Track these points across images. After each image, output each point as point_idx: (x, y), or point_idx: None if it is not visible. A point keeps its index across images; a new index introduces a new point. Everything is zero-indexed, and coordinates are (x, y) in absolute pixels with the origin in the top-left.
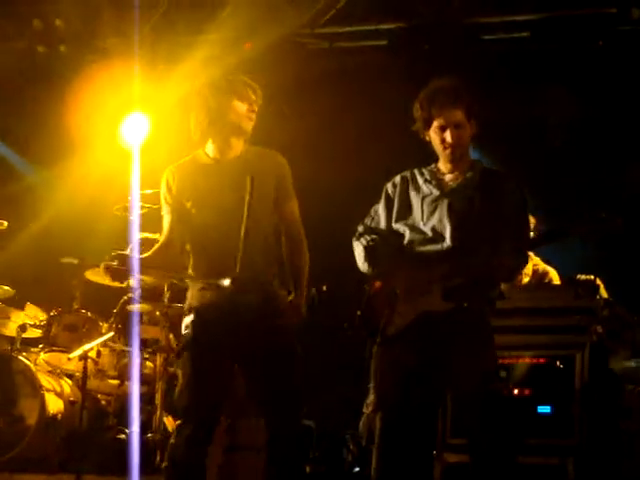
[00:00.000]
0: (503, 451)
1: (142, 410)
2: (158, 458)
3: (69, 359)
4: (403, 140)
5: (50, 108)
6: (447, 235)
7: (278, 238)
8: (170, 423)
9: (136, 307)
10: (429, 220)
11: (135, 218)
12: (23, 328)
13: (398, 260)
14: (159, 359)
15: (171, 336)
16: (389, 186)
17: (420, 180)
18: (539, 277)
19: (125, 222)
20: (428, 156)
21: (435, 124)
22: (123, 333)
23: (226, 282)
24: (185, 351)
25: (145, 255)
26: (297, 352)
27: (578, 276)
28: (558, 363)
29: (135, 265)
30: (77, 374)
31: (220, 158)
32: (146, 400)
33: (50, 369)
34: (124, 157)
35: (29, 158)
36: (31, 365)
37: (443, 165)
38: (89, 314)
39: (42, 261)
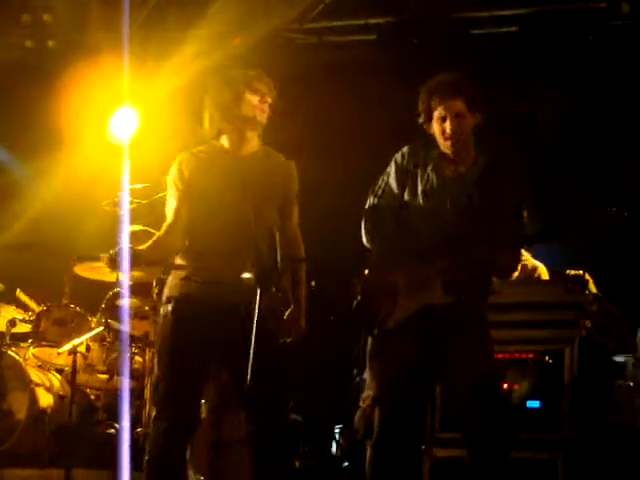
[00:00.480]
0: (501, 446)
1: (131, 405)
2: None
3: (58, 354)
4: (392, 134)
5: (39, 103)
6: (447, 227)
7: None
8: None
9: (125, 302)
10: (429, 210)
11: (125, 213)
12: (12, 323)
13: (400, 243)
14: (148, 354)
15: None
16: (398, 156)
17: (426, 161)
18: (528, 272)
19: (114, 217)
20: None
21: (436, 115)
22: (112, 328)
23: (247, 275)
24: (162, 342)
25: (146, 245)
26: (280, 345)
27: (567, 271)
28: (547, 358)
29: (133, 257)
30: (66, 369)
31: (235, 152)
32: (135, 395)
33: (39, 364)
34: (113, 152)
35: (17, 153)
36: (20, 360)
37: (445, 155)
38: (78, 309)
39: (31, 256)
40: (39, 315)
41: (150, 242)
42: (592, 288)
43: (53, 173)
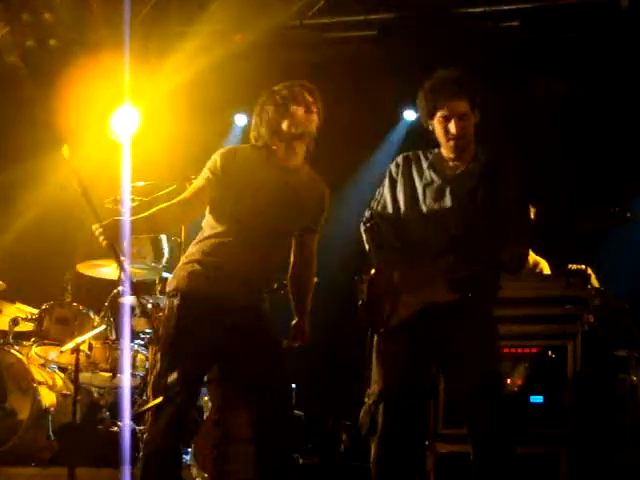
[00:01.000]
0: (505, 441)
1: (134, 403)
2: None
3: (61, 352)
4: (392, 130)
5: (40, 101)
6: (450, 224)
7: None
8: None
9: (127, 299)
10: (431, 207)
11: (126, 211)
12: (15, 322)
13: (401, 251)
14: (151, 351)
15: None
16: (392, 167)
17: (424, 164)
18: (530, 267)
19: (116, 215)
20: (419, 146)
21: (439, 114)
22: (115, 326)
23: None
24: (166, 338)
25: (143, 215)
26: (281, 344)
27: (569, 266)
28: (550, 353)
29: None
30: (69, 367)
31: (281, 161)
32: (138, 393)
33: (42, 362)
34: (115, 150)
35: (19, 151)
36: (23, 358)
37: (446, 152)
38: (81, 307)
39: (33, 255)
40: (41, 314)
41: (148, 213)
42: (594, 282)
43: (54, 171)
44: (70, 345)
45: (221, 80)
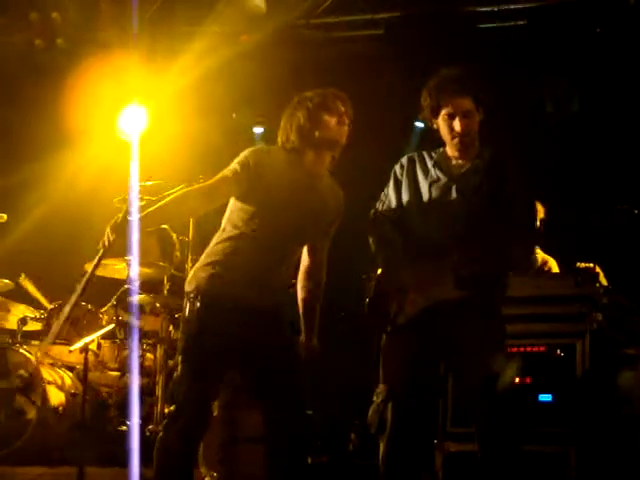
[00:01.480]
0: (511, 440)
1: (143, 402)
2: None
3: (70, 351)
4: (399, 129)
5: (48, 101)
6: (455, 222)
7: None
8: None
9: (135, 298)
10: (437, 206)
11: (134, 210)
12: (24, 321)
13: (407, 250)
14: (160, 351)
15: (171, 328)
16: (397, 168)
17: (429, 163)
18: (539, 266)
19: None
20: (425, 145)
21: (443, 112)
22: (123, 325)
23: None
24: (188, 342)
25: (153, 208)
26: (296, 345)
27: (578, 264)
28: (559, 351)
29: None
30: (78, 366)
31: (309, 168)
32: (147, 392)
33: (51, 362)
34: (123, 149)
35: (27, 150)
36: (32, 358)
37: (451, 150)
38: (89, 306)
39: (42, 254)
40: (50, 313)
41: (161, 203)
42: (603, 281)
43: (63, 170)
44: (79, 344)
45: (228, 80)
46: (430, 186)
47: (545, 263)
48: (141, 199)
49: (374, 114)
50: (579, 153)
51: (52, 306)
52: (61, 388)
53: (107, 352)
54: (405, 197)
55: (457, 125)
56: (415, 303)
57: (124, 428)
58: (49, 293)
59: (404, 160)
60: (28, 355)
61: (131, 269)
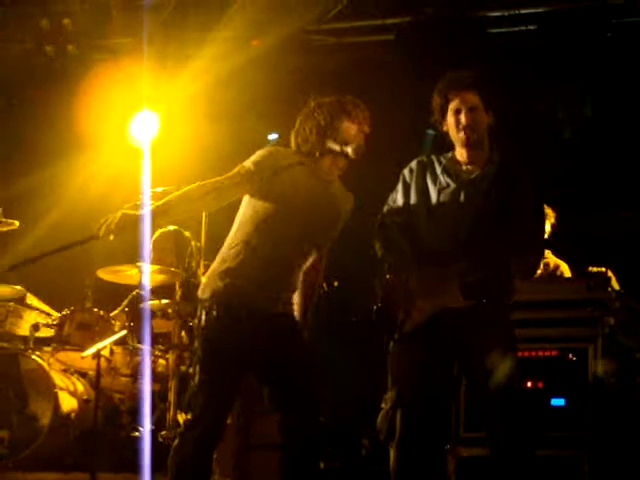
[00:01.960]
0: (525, 445)
1: (156, 408)
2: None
3: (82, 358)
4: (410, 134)
5: (60, 107)
6: (463, 228)
7: None
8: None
9: (147, 304)
10: (445, 212)
11: (146, 216)
12: (36, 327)
13: (415, 256)
14: (172, 357)
15: (183, 333)
16: (406, 172)
17: (438, 169)
18: (550, 270)
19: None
20: (436, 150)
21: (451, 107)
22: (136, 331)
23: None
24: (205, 351)
25: (156, 204)
26: (312, 352)
27: (589, 268)
28: (571, 355)
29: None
30: (90, 372)
31: (322, 174)
32: (160, 398)
33: (63, 368)
34: (134, 155)
35: (39, 156)
36: (44, 364)
37: (460, 154)
38: (101, 312)
39: (53, 260)
40: (62, 319)
41: (166, 198)
42: (615, 285)
43: (74, 176)
44: (91, 350)
45: (239, 85)
46: (439, 193)
47: (557, 267)
48: (153, 205)
49: (385, 119)
50: (590, 158)
51: (64, 312)
52: (73, 394)
53: (119, 358)
54: (413, 202)
55: (463, 118)
56: (422, 310)
57: (136, 434)
58: (60, 300)
59: (413, 164)
60: (40, 361)
61: (143, 274)
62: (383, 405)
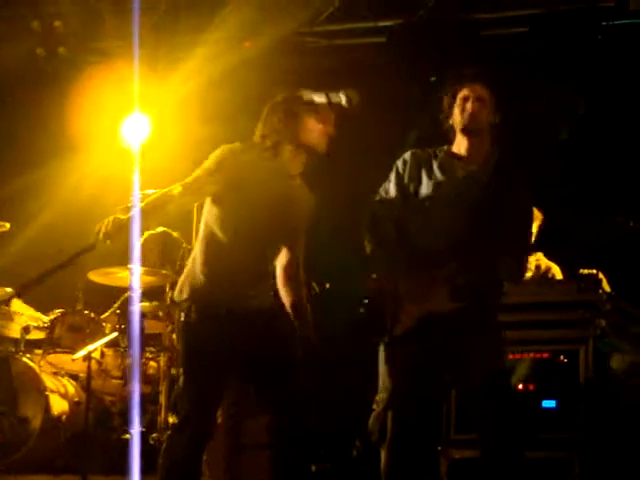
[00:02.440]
0: (514, 447)
1: (147, 410)
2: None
3: (73, 360)
4: (402, 136)
5: (51, 109)
6: (456, 224)
7: None
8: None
9: (137, 306)
10: (439, 206)
11: (136, 218)
12: (27, 330)
13: (403, 257)
14: (163, 359)
15: (174, 336)
16: (399, 163)
17: (434, 162)
18: (542, 272)
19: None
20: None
21: (459, 96)
22: (126, 333)
23: None
24: (187, 353)
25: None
26: (297, 345)
27: (581, 270)
28: (562, 357)
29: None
30: (81, 375)
31: (286, 171)
32: (150, 400)
33: (54, 370)
34: (125, 157)
35: (29, 158)
36: (35, 366)
37: (458, 147)
38: (92, 315)
39: (44, 262)
40: (53, 321)
41: (146, 201)
42: (606, 287)
43: (65, 179)
44: (82, 353)
45: (231, 87)
46: (433, 186)
47: (549, 270)
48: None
49: (376, 122)
50: (579, 161)
51: (54, 315)
52: (64, 397)
53: (110, 360)
54: (406, 195)
55: (469, 105)
56: (411, 314)
57: (127, 436)
58: (51, 302)
59: (407, 156)
60: (31, 364)
61: (133, 277)
62: (374, 407)
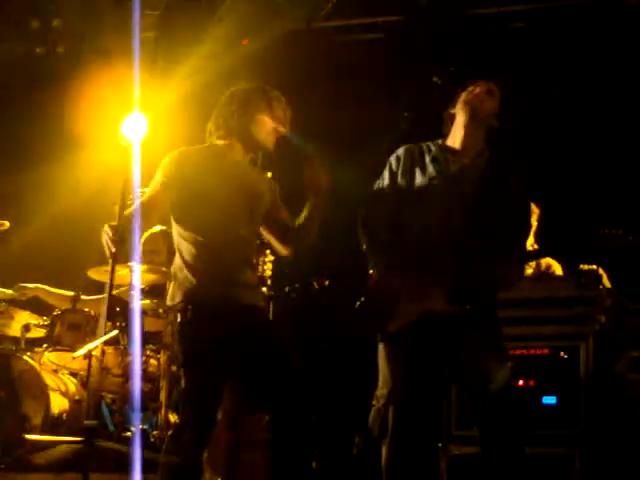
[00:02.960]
0: (515, 444)
1: (147, 408)
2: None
3: (73, 358)
4: (401, 132)
5: (50, 108)
6: (450, 218)
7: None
8: (175, 420)
9: (137, 304)
10: (433, 201)
11: (136, 216)
12: (27, 328)
13: (400, 256)
14: (163, 357)
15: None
16: (392, 160)
17: (427, 157)
18: (542, 270)
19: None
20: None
21: (470, 87)
22: (126, 331)
23: None
24: (186, 354)
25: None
26: (288, 339)
27: (581, 266)
28: (562, 353)
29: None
30: (82, 373)
31: (232, 156)
32: (151, 398)
33: (55, 368)
34: (125, 155)
35: (29, 157)
36: (36, 365)
37: (453, 140)
38: (92, 313)
39: (44, 260)
40: (53, 320)
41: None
42: (606, 283)
43: (65, 177)
44: (82, 351)
45: (229, 85)
46: (427, 181)
47: (549, 267)
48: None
49: (375, 117)
50: (577, 152)
51: (55, 312)
52: (65, 394)
53: (111, 358)
54: (400, 190)
55: (478, 90)
56: (406, 314)
57: (128, 434)
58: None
59: (400, 151)
60: (31, 362)
61: (134, 275)
62: (374, 402)
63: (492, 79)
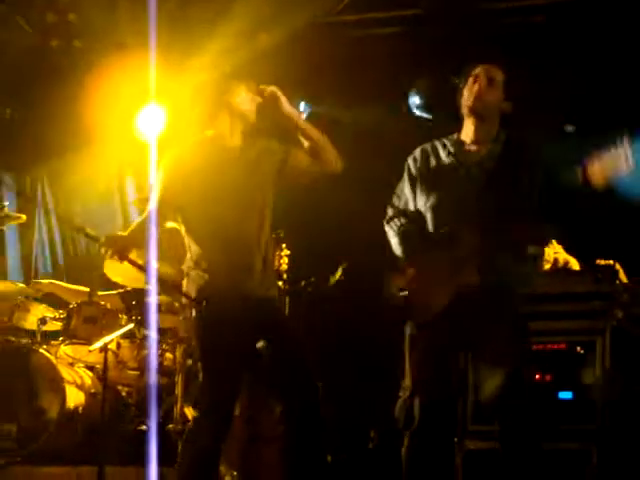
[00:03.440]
0: (534, 437)
1: (163, 401)
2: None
3: (89, 351)
4: (418, 126)
5: (66, 102)
6: (471, 209)
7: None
8: (191, 414)
9: (153, 298)
10: (452, 193)
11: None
12: (43, 321)
13: (427, 241)
14: (179, 350)
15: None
16: (410, 161)
17: (442, 152)
18: (560, 266)
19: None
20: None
21: (472, 74)
22: (142, 324)
23: None
24: (204, 348)
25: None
26: (301, 334)
27: (597, 261)
28: (579, 348)
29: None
30: (98, 366)
31: (232, 143)
32: (167, 391)
33: (71, 361)
34: (141, 149)
35: (46, 150)
36: (52, 358)
37: (466, 132)
38: (108, 306)
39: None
40: (69, 313)
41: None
42: (623, 278)
43: (81, 171)
44: (98, 344)
45: (246, 78)
46: (445, 176)
47: (567, 263)
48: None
49: (393, 112)
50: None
51: (71, 306)
52: (81, 388)
53: (127, 351)
54: (420, 190)
55: (476, 86)
56: (439, 296)
57: (144, 427)
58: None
59: (417, 152)
60: (48, 355)
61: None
62: (400, 394)
63: (491, 63)
